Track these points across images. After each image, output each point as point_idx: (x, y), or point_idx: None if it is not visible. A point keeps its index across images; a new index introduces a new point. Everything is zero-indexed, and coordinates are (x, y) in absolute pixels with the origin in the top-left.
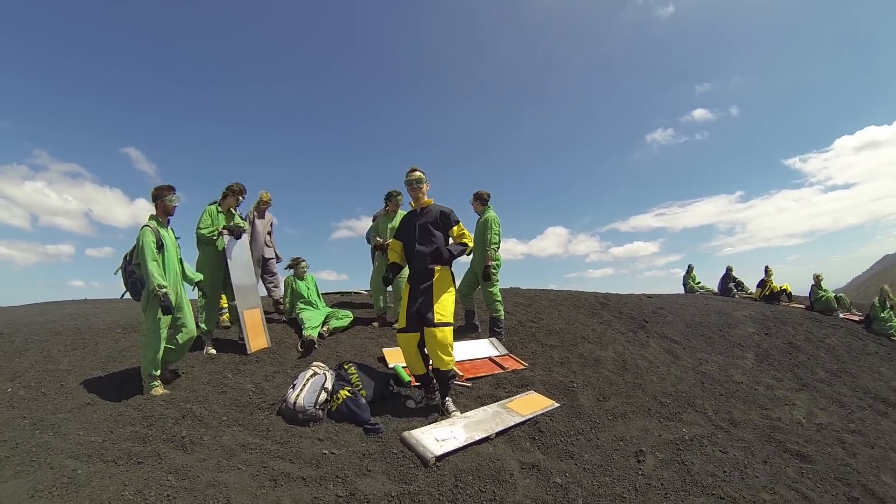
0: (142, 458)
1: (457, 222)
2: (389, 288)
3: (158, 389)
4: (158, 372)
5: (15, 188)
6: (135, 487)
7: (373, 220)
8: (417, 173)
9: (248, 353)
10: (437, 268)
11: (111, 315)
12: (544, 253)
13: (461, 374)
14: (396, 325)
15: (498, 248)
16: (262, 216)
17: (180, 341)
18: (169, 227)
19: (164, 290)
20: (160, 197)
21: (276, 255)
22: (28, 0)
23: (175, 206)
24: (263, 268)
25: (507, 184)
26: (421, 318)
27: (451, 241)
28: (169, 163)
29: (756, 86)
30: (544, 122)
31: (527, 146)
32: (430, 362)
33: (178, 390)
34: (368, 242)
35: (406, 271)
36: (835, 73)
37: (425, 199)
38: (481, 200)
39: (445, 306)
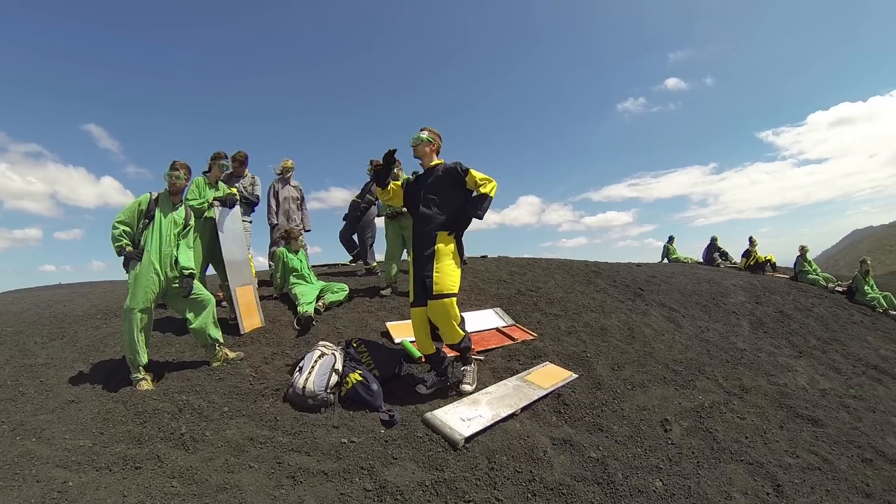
0: (139, 462)
1: (466, 171)
2: (404, 256)
3: (143, 384)
4: (142, 361)
5: None
6: (136, 498)
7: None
8: (421, 134)
9: (241, 333)
10: (440, 233)
11: (89, 299)
12: (517, 222)
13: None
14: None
15: None
16: (285, 184)
17: (192, 315)
18: (179, 207)
19: (121, 244)
20: (168, 173)
21: (304, 225)
22: None
23: (179, 184)
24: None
25: (479, 151)
26: (425, 290)
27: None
28: (133, 139)
29: (731, 55)
30: (513, 89)
31: (496, 113)
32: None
33: (170, 380)
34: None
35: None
36: (811, 47)
37: (434, 159)
38: None
39: (447, 275)
